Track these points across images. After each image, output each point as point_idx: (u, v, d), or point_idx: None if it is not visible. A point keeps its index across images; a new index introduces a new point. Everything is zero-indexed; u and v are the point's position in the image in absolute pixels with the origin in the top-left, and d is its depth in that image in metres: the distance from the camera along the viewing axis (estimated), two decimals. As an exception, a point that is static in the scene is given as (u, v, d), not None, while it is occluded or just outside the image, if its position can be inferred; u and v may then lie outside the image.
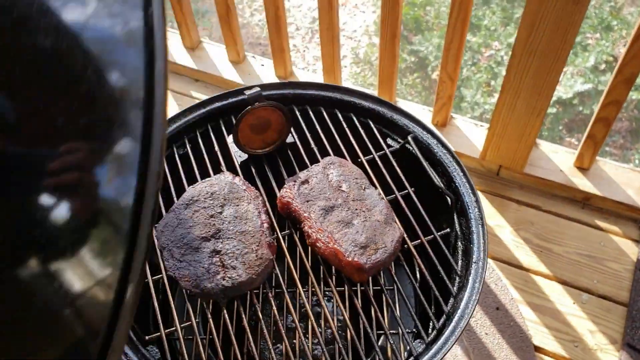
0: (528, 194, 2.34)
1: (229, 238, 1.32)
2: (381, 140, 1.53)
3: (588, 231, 2.23)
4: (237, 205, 1.38)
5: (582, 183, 2.24)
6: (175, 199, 1.45)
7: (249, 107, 1.41)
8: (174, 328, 1.28)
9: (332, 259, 1.30)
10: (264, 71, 2.70)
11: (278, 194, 1.44)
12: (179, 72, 2.78)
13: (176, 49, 2.78)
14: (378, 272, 1.31)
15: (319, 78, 2.65)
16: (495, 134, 2.21)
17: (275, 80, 2.62)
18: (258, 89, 1.40)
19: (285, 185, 1.41)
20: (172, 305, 1.29)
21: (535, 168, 2.30)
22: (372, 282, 1.50)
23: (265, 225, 1.36)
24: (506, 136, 2.19)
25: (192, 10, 2.70)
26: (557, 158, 2.32)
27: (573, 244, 2.19)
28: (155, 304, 1.29)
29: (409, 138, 1.47)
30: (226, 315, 1.27)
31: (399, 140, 1.57)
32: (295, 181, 1.41)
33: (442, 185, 1.42)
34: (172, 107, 2.67)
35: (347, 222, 1.33)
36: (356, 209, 1.36)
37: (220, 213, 1.36)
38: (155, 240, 1.36)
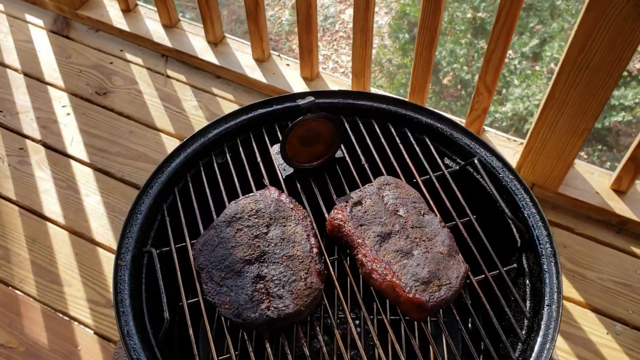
0: (561, 214, 2.22)
1: (275, 263, 1.21)
2: (439, 160, 1.41)
3: (623, 258, 2.11)
4: (284, 226, 1.26)
5: (619, 207, 2.12)
6: (213, 212, 1.33)
7: (301, 117, 1.29)
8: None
9: (388, 292, 1.18)
10: (289, 71, 2.58)
11: (327, 215, 1.32)
12: (200, 67, 2.66)
13: (198, 43, 2.66)
14: (439, 310, 1.19)
15: (347, 82, 2.53)
16: (532, 150, 2.08)
17: (301, 81, 2.50)
18: (312, 98, 1.28)
19: (336, 206, 1.29)
20: (210, 335, 1.18)
21: (570, 188, 2.18)
22: (430, 319, 1.38)
23: (315, 250, 1.24)
24: (544, 154, 2.07)
25: (218, 3, 2.58)
26: (593, 179, 2.19)
27: (607, 270, 2.08)
28: (191, 333, 1.17)
29: (475, 160, 1.35)
30: (269, 350, 1.16)
31: (459, 160, 1.44)
32: (347, 202, 1.29)
33: (510, 214, 1.30)
34: (191, 103, 2.55)
35: (406, 252, 1.22)
36: (415, 238, 1.24)
37: (266, 234, 1.25)
38: (192, 260, 1.24)
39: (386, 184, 1.33)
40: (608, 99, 1.77)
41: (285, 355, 1.16)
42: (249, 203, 1.29)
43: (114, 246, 2.11)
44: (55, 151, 2.42)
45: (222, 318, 1.20)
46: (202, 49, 2.65)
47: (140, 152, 2.37)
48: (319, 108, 1.45)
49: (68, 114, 2.55)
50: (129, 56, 2.73)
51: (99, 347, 1.88)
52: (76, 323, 1.95)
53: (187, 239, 1.30)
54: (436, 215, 1.30)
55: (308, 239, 1.25)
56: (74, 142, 2.44)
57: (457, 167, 1.42)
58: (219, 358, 1.17)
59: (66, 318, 1.96)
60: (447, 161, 1.46)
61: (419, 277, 1.17)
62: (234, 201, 1.30)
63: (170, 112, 2.51)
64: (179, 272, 1.24)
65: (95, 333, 1.92)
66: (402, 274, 1.18)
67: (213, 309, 1.43)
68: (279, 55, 2.67)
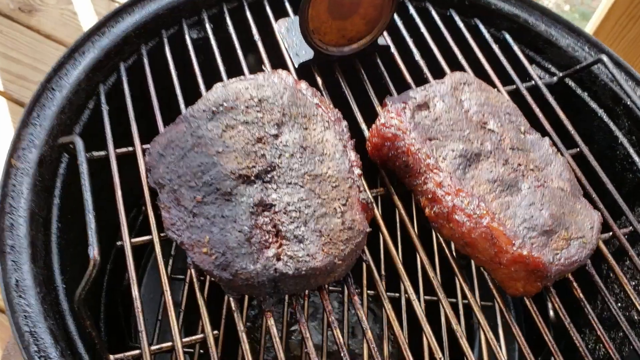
0: None
1: (290, 184, 0.72)
2: (527, 66, 0.95)
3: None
4: (305, 129, 0.77)
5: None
6: (182, 107, 0.83)
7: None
8: (170, 343, 0.66)
9: (481, 245, 0.71)
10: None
11: (364, 127, 0.84)
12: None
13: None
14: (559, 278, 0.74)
15: None
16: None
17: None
18: None
19: (387, 107, 0.81)
20: (168, 300, 0.67)
21: None
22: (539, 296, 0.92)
23: (357, 170, 0.76)
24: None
25: None
26: None
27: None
28: (135, 293, 0.66)
29: (603, 61, 0.89)
30: (273, 330, 0.67)
31: (553, 70, 0.99)
32: (405, 102, 0.81)
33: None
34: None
35: (509, 184, 0.75)
36: (519, 165, 0.78)
37: (275, 137, 0.75)
38: (144, 171, 0.74)
39: (465, 84, 0.86)
40: None
41: (299, 339, 0.68)
42: (248, 88, 0.78)
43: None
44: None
45: (193, 271, 0.70)
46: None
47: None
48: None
49: (-20, 29, 1.97)
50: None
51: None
52: None
53: (137, 139, 0.78)
54: (542, 136, 0.84)
55: (345, 153, 0.76)
56: (-15, 64, 1.89)
57: (555, 79, 0.97)
58: (185, 340, 0.67)
59: None
60: (536, 70, 1.00)
61: (536, 224, 0.71)
62: (219, 83, 0.79)
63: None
64: (118, 191, 0.73)
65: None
66: (506, 217, 0.71)
67: (179, 253, 0.93)
68: None
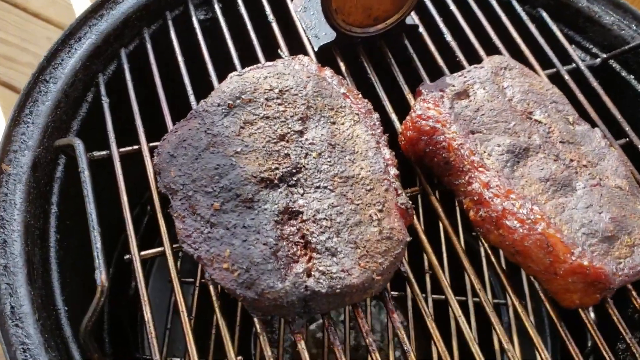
0: None
1: (319, 188, 0.64)
2: (567, 47, 0.87)
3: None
4: (334, 123, 0.69)
5: None
6: (192, 99, 0.74)
7: None
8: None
9: (534, 254, 0.64)
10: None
11: (394, 118, 0.76)
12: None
13: None
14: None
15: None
16: None
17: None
18: None
19: (423, 97, 0.73)
20: (186, 324, 0.60)
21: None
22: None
23: (393, 170, 0.68)
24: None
25: None
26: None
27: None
28: (148, 316, 0.59)
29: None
30: (305, 354, 0.59)
31: (594, 51, 0.91)
32: (443, 91, 0.73)
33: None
34: None
35: (563, 183, 0.67)
36: (572, 161, 0.70)
37: (301, 134, 0.67)
38: (152, 173, 0.66)
39: (506, 68, 0.77)
40: None
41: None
42: (267, 77, 0.70)
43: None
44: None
45: (211, 288, 0.62)
46: None
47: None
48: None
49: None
50: None
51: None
52: None
53: (143, 137, 0.70)
54: (592, 126, 0.76)
55: (379, 150, 0.68)
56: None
57: (598, 61, 0.88)
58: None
59: None
60: (576, 51, 0.92)
61: (596, 229, 0.64)
62: (235, 73, 0.71)
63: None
64: (124, 197, 0.65)
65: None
66: (562, 222, 0.64)
67: (194, 268, 0.86)
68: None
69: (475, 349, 0.63)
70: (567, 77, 0.85)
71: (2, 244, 0.59)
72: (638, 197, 0.70)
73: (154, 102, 0.74)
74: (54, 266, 0.64)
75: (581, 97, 0.83)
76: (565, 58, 0.89)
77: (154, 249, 0.65)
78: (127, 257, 0.64)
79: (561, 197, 0.66)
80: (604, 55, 0.90)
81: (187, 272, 0.95)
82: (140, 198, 0.97)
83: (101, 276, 0.51)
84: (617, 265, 0.63)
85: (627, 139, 0.81)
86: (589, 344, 0.94)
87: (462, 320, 0.64)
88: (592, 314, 0.92)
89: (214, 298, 0.62)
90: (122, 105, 0.74)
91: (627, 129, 0.82)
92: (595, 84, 0.85)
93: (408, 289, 0.83)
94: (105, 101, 0.74)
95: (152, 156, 0.67)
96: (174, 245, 0.64)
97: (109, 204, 0.66)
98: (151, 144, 0.71)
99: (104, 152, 0.69)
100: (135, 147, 0.70)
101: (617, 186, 0.69)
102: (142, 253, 0.64)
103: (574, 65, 0.87)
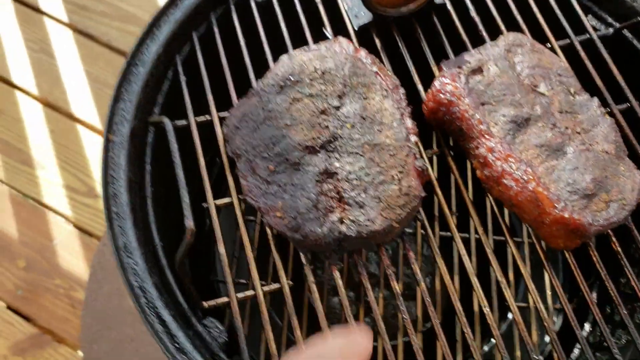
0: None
1: (351, 154, 0.81)
2: (583, 16, 0.98)
3: None
4: (365, 98, 0.85)
5: None
6: (252, 75, 0.91)
7: None
8: (251, 292, 0.79)
9: (526, 208, 0.79)
10: None
11: (421, 89, 0.91)
12: None
13: None
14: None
15: None
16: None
17: None
18: None
19: (443, 72, 0.87)
20: (250, 254, 0.79)
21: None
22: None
23: (414, 137, 0.84)
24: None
25: None
26: None
27: None
28: (221, 250, 0.79)
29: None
30: (339, 281, 0.78)
31: (610, 21, 1.01)
32: (460, 67, 0.87)
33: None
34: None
35: (556, 148, 0.82)
36: (567, 128, 0.84)
37: (338, 109, 0.83)
38: (222, 141, 0.84)
39: (518, 45, 0.90)
40: None
41: (362, 289, 0.79)
42: (311, 60, 0.86)
43: (97, 125, 1.72)
44: (25, 5, 2.01)
45: (268, 230, 0.81)
46: None
47: (130, 13, 2.00)
48: None
49: (42, -44, 2.06)
50: None
51: (79, 243, 1.59)
52: (51, 213, 1.59)
53: (214, 109, 0.88)
54: (591, 96, 0.89)
55: (403, 121, 0.84)
56: (49, -4, 1.98)
57: (611, 30, 0.99)
58: (265, 289, 0.79)
59: (39, 206, 1.63)
60: (591, 22, 1.02)
61: (578, 188, 0.78)
62: (286, 55, 0.87)
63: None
64: (201, 158, 0.84)
65: (75, 226, 1.55)
66: (551, 181, 0.79)
67: (253, 215, 1.05)
68: None
69: (474, 280, 0.80)
70: (579, 47, 0.97)
71: (113, 196, 0.80)
72: (623, 159, 0.84)
73: (222, 77, 0.92)
74: (150, 212, 0.85)
75: (590, 67, 0.95)
76: (581, 28, 1.00)
77: (223, 198, 0.84)
78: (204, 204, 0.84)
79: (553, 161, 0.81)
80: (618, 25, 1.01)
81: (250, 210, 1.15)
82: (212, 157, 1.16)
83: (189, 222, 0.71)
84: (593, 218, 0.78)
85: (628, 104, 0.93)
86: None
87: (465, 257, 0.81)
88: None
89: (270, 237, 0.82)
90: (196, 81, 0.92)
91: (628, 94, 0.93)
92: (604, 53, 0.96)
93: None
94: (182, 79, 0.93)
95: (221, 125, 0.86)
96: (240, 196, 0.83)
97: (189, 162, 0.86)
98: (220, 114, 0.89)
99: (184, 122, 0.88)
100: (208, 117, 0.89)
101: (603, 150, 0.83)
102: (216, 202, 0.84)
103: (588, 35, 0.99)
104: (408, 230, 1.05)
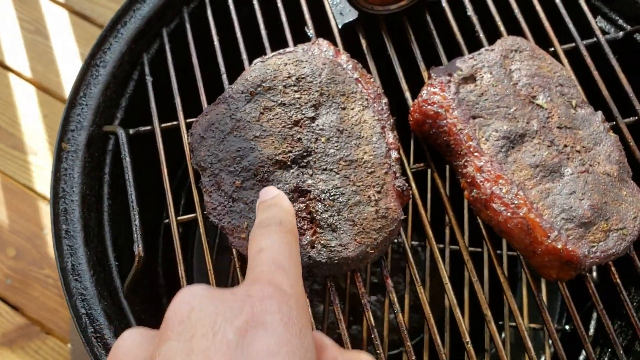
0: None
1: (325, 170, 0.74)
2: (590, 18, 0.90)
3: None
4: (344, 109, 0.78)
5: None
6: (224, 78, 0.85)
7: None
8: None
9: (516, 235, 0.73)
10: None
11: (408, 96, 0.84)
12: None
13: None
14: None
15: None
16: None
17: None
18: None
19: (431, 81, 0.81)
20: (211, 276, 0.74)
21: None
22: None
23: (394, 154, 0.77)
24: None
25: None
26: None
27: None
28: (181, 273, 0.73)
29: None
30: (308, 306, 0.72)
31: (620, 22, 0.94)
32: (450, 75, 0.80)
33: None
34: None
35: (552, 169, 0.75)
36: (565, 147, 0.77)
37: (312, 120, 0.77)
38: (187, 152, 0.78)
39: (516, 51, 0.83)
40: None
41: (335, 319, 0.74)
42: (286, 64, 0.79)
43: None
44: (21, -15, 1.93)
45: (235, 251, 0.75)
46: None
47: (128, -6, 1.85)
48: None
49: None
50: None
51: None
52: (43, 200, 1.57)
53: (181, 114, 0.82)
54: (595, 108, 0.82)
55: (383, 134, 0.78)
56: (44, -26, 1.96)
57: (621, 34, 0.92)
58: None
59: (30, 193, 1.64)
60: (600, 23, 0.94)
61: (574, 215, 0.72)
62: (259, 59, 0.80)
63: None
64: (164, 168, 0.78)
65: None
66: (544, 207, 0.72)
67: (220, 235, 1.00)
68: None
69: (449, 291, 0.74)
70: (585, 53, 0.89)
71: (63, 212, 0.74)
72: (626, 182, 0.77)
73: (193, 77, 0.86)
74: (106, 228, 0.79)
75: (596, 74, 0.88)
76: (589, 31, 0.92)
77: (187, 215, 0.79)
78: (166, 220, 0.78)
79: (548, 183, 0.74)
80: (629, 28, 0.93)
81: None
82: (180, 166, 1.11)
83: (138, 248, 0.65)
84: (590, 249, 0.71)
85: (636, 117, 0.86)
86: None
87: (439, 263, 0.75)
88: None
89: (235, 259, 0.76)
90: (164, 81, 0.86)
91: (637, 106, 0.86)
92: (612, 58, 0.89)
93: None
94: (149, 79, 0.86)
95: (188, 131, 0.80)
96: (205, 212, 0.77)
97: (155, 177, 0.80)
98: (188, 120, 0.83)
99: (148, 127, 0.82)
100: (175, 122, 0.83)
101: (605, 172, 0.76)
102: (179, 218, 0.78)
103: (595, 39, 0.91)
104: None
